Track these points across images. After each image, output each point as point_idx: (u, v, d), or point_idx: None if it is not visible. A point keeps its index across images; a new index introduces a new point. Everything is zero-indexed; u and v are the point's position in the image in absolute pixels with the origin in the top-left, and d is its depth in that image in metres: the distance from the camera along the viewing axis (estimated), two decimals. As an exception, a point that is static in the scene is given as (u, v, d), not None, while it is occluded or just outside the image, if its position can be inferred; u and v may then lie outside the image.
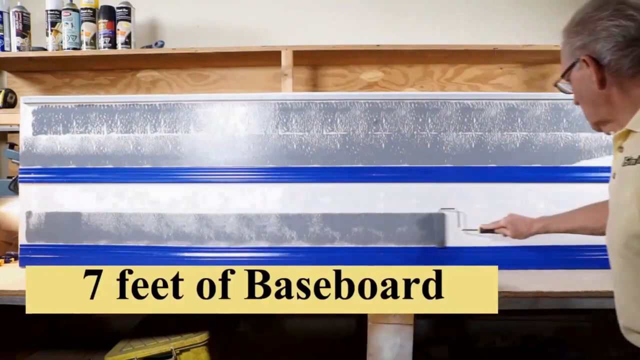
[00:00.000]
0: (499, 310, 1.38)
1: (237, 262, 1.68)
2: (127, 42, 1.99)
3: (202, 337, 1.54)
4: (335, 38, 2.13)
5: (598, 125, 1.06)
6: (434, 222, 1.68)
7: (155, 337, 1.58)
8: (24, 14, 2.01)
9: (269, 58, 1.99)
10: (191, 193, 1.71)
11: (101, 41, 1.99)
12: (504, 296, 1.37)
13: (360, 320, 1.69)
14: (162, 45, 2.03)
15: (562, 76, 1.06)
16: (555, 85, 1.09)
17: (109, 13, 1.99)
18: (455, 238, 1.68)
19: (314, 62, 2.15)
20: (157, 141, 1.73)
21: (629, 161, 0.94)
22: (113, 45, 1.99)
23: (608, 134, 1.05)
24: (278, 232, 1.69)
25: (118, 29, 1.99)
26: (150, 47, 2.03)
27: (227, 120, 1.71)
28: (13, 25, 2.00)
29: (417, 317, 1.35)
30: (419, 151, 1.70)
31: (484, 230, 1.62)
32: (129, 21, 2.00)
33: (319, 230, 1.68)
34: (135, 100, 1.75)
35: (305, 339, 2.15)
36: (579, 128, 1.71)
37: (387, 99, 1.71)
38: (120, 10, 1.99)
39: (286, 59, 1.89)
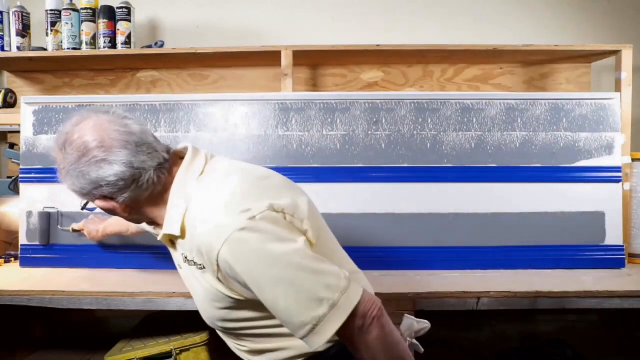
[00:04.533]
0: (499, 311, 1.39)
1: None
2: (127, 42, 1.99)
3: (202, 337, 1.54)
4: (335, 38, 2.14)
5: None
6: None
7: (155, 337, 1.58)
8: (24, 14, 2.01)
9: (269, 58, 1.99)
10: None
11: (101, 41, 1.99)
12: (504, 296, 1.37)
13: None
14: (162, 45, 2.03)
15: (86, 205, 1.09)
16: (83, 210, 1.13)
17: (109, 13, 1.99)
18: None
19: (314, 62, 2.15)
20: (157, 141, 1.73)
21: (187, 259, 1.00)
22: (113, 45, 1.99)
23: None
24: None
25: (118, 29, 1.99)
26: (150, 47, 2.03)
27: (227, 120, 1.71)
28: (13, 25, 2.00)
29: (418, 317, 1.35)
30: (419, 151, 1.70)
31: (75, 230, 1.64)
32: (129, 21, 2.00)
33: (319, 230, 1.68)
34: (135, 100, 1.75)
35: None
36: (579, 128, 1.71)
37: (387, 99, 1.71)
38: (120, 10, 1.99)
39: (286, 59, 1.89)
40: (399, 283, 1.49)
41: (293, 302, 0.87)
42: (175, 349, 1.50)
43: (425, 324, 1.09)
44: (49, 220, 1.70)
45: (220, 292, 0.95)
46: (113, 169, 0.94)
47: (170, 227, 0.99)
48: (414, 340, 1.10)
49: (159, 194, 1.00)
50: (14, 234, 1.85)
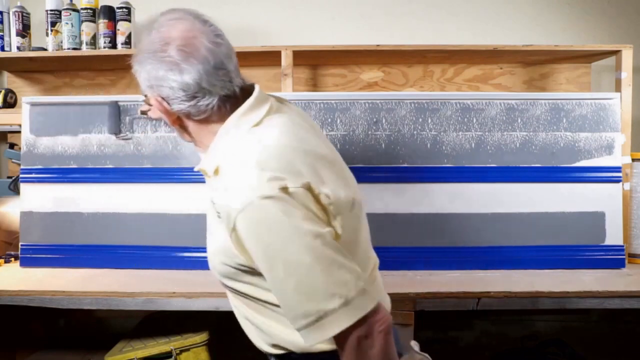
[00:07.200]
0: (499, 310, 1.39)
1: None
2: (127, 42, 1.99)
3: (202, 337, 1.54)
4: (335, 38, 2.13)
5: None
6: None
7: (155, 337, 1.58)
8: (24, 14, 2.01)
9: (269, 58, 1.99)
10: (191, 193, 1.71)
11: (101, 41, 1.98)
12: (504, 296, 1.37)
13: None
14: (162, 45, 2.03)
15: (145, 97, 1.01)
16: (143, 101, 1.03)
17: (109, 13, 1.99)
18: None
19: (314, 62, 2.15)
20: (157, 141, 1.73)
21: (213, 201, 0.93)
22: (113, 45, 1.99)
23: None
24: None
25: (118, 29, 1.99)
26: (150, 47, 2.03)
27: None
28: (13, 25, 2.00)
29: (418, 317, 1.36)
30: (419, 151, 1.70)
31: (143, 112, 1.65)
32: (129, 21, 2.00)
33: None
34: (135, 100, 1.75)
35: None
36: (579, 128, 1.71)
37: (387, 99, 1.71)
38: (120, 10, 1.99)
39: (286, 59, 1.89)
40: (399, 283, 1.49)
41: (303, 287, 0.81)
42: (175, 349, 1.50)
43: (426, 358, 1.02)
44: (118, 110, 1.73)
45: (230, 250, 0.89)
46: (180, 77, 0.89)
47: (207, 163, 0.95)
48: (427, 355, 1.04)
49: (212, 123, 0.95)
50: (14, 234, 1.85)
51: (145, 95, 0.98)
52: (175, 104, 0.92)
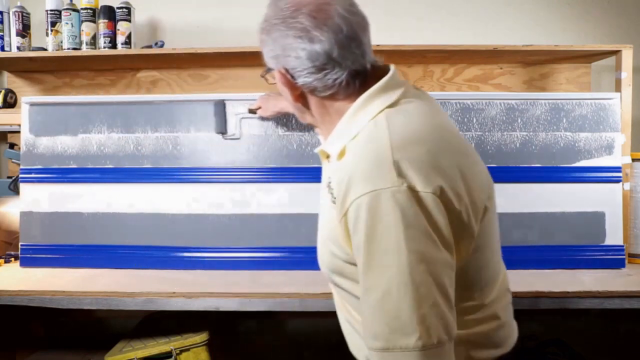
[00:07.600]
0: (499, 310, 1.38)
1: (238, 263, 1.68)
2: (127, 42, 1.99)
3: (202, 337, 1.54)
4: (335, 38, 2.13)
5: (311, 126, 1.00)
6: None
7: (155, 337, 1.58)
8: (24, 14, 2.01)
9: (269, 58, 1.98)
10: (191, 193, 1.71)
11: (101, 41, 1.98)
12: (504, 296, 1.37)
13: (361, 320, 1.69)
14: (162, 45, 2.03)
15: (266, 72, 0.95)
16: (262, 77, 0.98)
17: (109, 13, 1.99)
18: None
19: (314, 62, 2.14)
20: (157, 141, 1.73)
21: (329, 185, 0.86)
22: (113, 45, 1.99)
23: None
24: (278, 232, 1.69)
25: (118, 29, 1.99)
26: (150, 47, 2.03)
27: (228, 120, 1.71)
28: (13, 25, 2.00)
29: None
30: (419, 151, 1.70)
31: (251, 110, 1.65)
32: (129, 21, 2.00)
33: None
34: (135, 100, 1.75)
35: (307, 339, 2.15)
36: (579, 128, 1.71)
37: (387, 99, 1.71)
38: (120, 10, 1.99)
39: (286, 59, 1.88)
40: (399, 283, 1.49)
41: (385, 305, 0.72)
42: (175, 349, 1.50)
43: None
44: (224, 109, 1.70)
45: (337, 238, 0.82)
46: (310, 45, 0.81)
47: (330, 144, 0.88)
48: None
49: (338, 100, 0.87)
50: (14, 234, 1.85)
51: (267, 70, 0.92)
52: (301, 77, 0.85)
